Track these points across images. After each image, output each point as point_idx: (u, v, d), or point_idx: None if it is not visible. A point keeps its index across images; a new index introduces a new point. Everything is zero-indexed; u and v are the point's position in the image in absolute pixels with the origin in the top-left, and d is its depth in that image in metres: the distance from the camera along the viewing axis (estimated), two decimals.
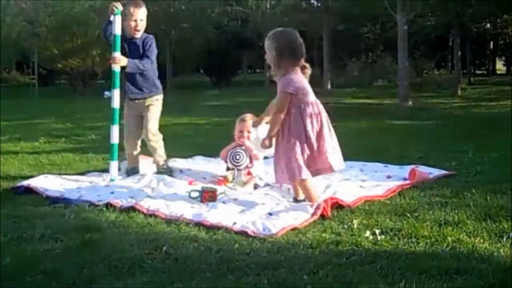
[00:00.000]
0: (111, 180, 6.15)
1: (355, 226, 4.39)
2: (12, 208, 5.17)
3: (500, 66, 43.96)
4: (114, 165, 6.25)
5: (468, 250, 3.81)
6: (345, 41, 32.31)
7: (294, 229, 4.39)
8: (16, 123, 12.76)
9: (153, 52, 6.39)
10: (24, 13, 28.70)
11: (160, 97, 6.53)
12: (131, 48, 6.33)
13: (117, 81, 6.17)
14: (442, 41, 32.88)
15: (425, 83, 23.58)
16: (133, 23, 6.26)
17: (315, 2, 28.41)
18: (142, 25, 6.33)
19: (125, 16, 6.25)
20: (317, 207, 4.75)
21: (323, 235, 4.22)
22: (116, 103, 6.19)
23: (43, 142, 9.81)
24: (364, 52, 36.91)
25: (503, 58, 42.25)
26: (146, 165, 6.69)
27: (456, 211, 4.69)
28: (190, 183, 5.96)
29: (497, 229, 4.22)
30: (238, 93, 23.75)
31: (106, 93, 22.71)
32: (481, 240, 4.00)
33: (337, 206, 4.93)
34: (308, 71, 5.12)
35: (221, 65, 32.65)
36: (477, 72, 38.23)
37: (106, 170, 6.54)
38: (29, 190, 5.77)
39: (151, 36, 6.44)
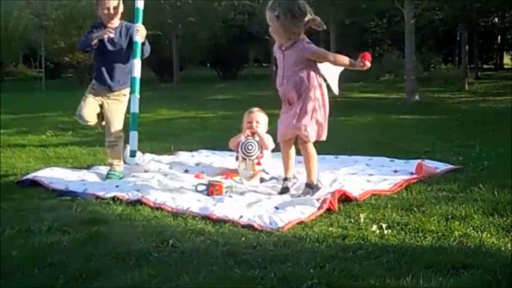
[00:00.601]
0: (132, 153, 6.08)
1: (362, 220, 4.39)
2: (20, 200, 5.20)
3: (507, 61, 43.76)
4: (134, 136, 6.11)
5: (475, 244, 3.80)
6: (352, 35, 32.25)
7: (300, 222, 4.39)
8: (23, 116, 12.79)
9: None
10: (31, 6, 28.70)
11: (128, 91, 6.32)
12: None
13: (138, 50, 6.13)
14: (450, 35, 32.76)
15: (432, 78, 23.48)
16: (105, 11, 6.18)
17: None
18: (115, 12, 6.21)
19: (97, 5, 6.24)
20: (324, 201, 4.74)
21: (330, 229, 4.22)
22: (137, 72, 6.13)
23: (50, 135, 9.84)
24: (371, 46, 36.80)
25: (511, 52, 42.07)
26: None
27: (463, 206, 4.67)
28: (196, 177, 5.97)
29: (504, 224, 4.21)
30: (244, 86, 23.73)
31: None
32: (488, 235, 3.99)
33: (344, 200, 4.93)
34: (317, 21, 5.14)
35: (228, 59, 32.61)
36: (485, 66, 38.07)
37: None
38: (35, 183, 5.79)
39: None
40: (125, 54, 6.25)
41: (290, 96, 5.14)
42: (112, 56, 6.28)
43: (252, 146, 6.02)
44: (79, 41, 6.50)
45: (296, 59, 5.11)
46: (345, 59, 5.20)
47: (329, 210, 4.68)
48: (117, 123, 6.31)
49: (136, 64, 6.09)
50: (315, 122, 5.12)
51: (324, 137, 5.23)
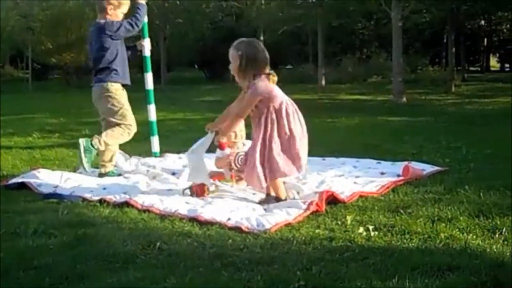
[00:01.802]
0: (155, 154, 6.52)
1: (349, 222, 4.40)
2: (6, 203, 5.16)
3: (494, 63, 44.04)
4: (155, 140, 6.88)
5: (461, 246, 3.82)
6: (340, 37, 32.37)
7: (287, 224, 4.39)
8: (10, 118, 12.72)
9: None
10: (18, 7, 28.65)
11: None
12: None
13: (149, 65, 6.63)
14: (436, 37, 32.94)
15: (419, 80, 23.61)
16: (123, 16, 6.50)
17: None
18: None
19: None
20: (311, 203, 4.75)
21: (317, 231, 4.23)
22: (150, 85, 6.83)
23: (36, 137, 9.80)
24: (358, 48, 36.96)
25: (497, 55, 42.30)
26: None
27: (449, 208, 4.69)
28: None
29: (490, 226, 4.23)
30: (232, 88, 23.64)
31: None
32: (474, 237, 4.00)
33: (331, 202, 4.93)
34: (275, 78, 5.12)
35: (215, 60, 32.55)
36: (471, 68, 38.27)
37: (99, 166, 6.55)
38: (22, 186, 5.77)
39: None
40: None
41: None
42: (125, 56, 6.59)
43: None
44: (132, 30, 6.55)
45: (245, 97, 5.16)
46: (230, 125, 5.39)
47: (316, 211, 4.68)
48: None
49: (149, 77, 6.84)
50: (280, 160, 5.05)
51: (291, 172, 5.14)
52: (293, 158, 5.05)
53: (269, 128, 5.01)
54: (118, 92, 6.42)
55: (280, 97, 5.08)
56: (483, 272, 3.29)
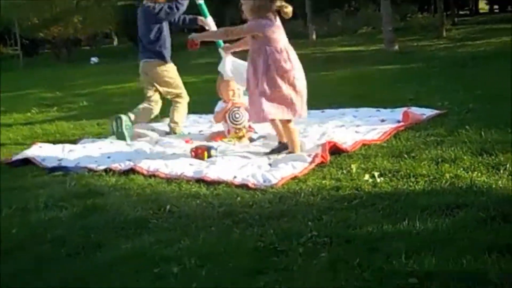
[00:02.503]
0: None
1: (354, 170, 4.44)
2: (12, 180, 5.20)
3: (483, 5, 43.78)
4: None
5: (466, 184, 3.87)
6: None
7: (294, 178, 4.43)
8: (5, 96, 12.65)
9: None
10: None
11: None
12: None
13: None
14: None
15: (410, 27, 23.46)
16: None
17: None
18: None
19: None
20: (315, 155, 4.79)
21: (323, 181, 4.27)
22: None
23: (35, 112, 9.77)
24: (346, 1, 36.66)
25: None
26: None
27: (452, 148, 4.73)
28: (187, 142, 5.98)
29: (493, 162, 4.28)
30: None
31: (93, 59, 22.66)
32: (479, 174, 4.05)
33: (335, 153, 4.97)
34: (287, 9, 5.04)
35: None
36: (461, 12, 38.05)
37: (100, 136, 6.58)
38: (26, 161, 5.78)
39: None
40: None
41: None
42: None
43: (239, 114, 6.00)
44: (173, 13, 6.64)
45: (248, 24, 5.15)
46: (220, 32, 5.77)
47: (321, 163, 4.72)
48: None
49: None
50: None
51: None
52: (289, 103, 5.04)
53: (272, 69, 5.00)
54: (161, 68, 6.71)
55: (282, 40, 5.07)
56: (491, 207, 3.34)
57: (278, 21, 5.04)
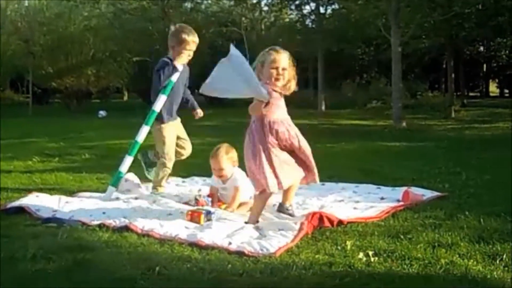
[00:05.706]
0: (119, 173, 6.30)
1: (349, 247, 4.38)
2: (4, 227, 5.14)
3: (493, 89, 44.22)
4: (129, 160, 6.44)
5: (461, 272, 3.81)
6: (340, 62, 32.46)
7: (287, 249, 4.37)
8: (9, 142, 12.71)
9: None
10: (19, 32, 28.76)
11: None
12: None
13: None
14: (436, 63, 33.10)
15: (419, 105, 23.65)
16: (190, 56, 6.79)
17: (310, 24, 28.59)
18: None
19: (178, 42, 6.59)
20: (302, 223, 4.81)
21: (317, 256, 4.21)
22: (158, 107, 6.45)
23: (36, 161, 9.77)
24: (358, 73, 37.08)
25: (497, 80, 42.48)
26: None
27: (450, 233, 4.69)
28: (185, 203, 5.94)
29: (490, 251, 4.22)
30: (231, 113, 23.74)
31: (101, 112, 22.80)
32: (475, 263, 4.00)
33: (330, 228, 4.93)
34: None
35: None
36: (471, 94, 38.44)
37: (99, 190, 6.53)
38: (20, 210, 5.74)
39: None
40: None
41: None
42: (180, 93, 6.87)
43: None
44: (159, 80, 6.49)
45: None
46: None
47: (313, 237, 4.68)
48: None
49: (161, 99, 6.46)
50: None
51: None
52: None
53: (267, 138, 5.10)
54: (160, 129, 6.56)
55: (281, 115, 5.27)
56: None
57: None
